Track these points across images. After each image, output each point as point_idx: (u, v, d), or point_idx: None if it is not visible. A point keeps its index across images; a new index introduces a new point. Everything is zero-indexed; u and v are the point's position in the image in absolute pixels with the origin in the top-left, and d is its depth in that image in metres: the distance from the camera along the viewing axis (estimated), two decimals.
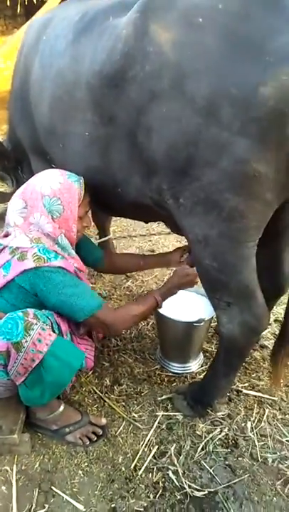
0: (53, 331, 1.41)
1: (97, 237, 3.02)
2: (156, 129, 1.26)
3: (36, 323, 1.32)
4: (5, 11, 7.07)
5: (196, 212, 1.31)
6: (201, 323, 1.74)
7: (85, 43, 1.40)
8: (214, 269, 1.38)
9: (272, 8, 1.09)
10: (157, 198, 1.43)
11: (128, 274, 2.86)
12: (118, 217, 3.63)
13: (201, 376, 1.91)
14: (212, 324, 2.05)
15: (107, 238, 2.90)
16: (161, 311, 1.83)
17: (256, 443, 1.60)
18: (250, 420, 1.69)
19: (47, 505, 1.39)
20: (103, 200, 1.67)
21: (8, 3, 5.01)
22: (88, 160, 1.49)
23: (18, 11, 5.91)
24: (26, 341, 1.28)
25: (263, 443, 1.60)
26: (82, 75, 1.37)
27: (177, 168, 1.27)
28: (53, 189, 1.44)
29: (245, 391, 1.83)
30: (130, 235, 3.56)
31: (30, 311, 1.36)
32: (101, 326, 1.50)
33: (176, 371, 1.94)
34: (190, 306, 1.91)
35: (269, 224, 1.36)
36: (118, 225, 3.64)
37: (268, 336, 2.23)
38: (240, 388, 1.85)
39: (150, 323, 2.29)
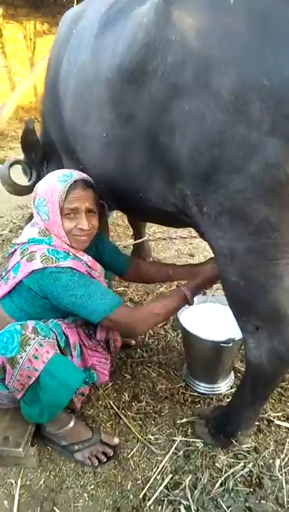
0: (59, 344, 1.32)
1: (133, 238, 2.93)
2: (179, 129, 1.12)
3: (34, 338, 1.24)
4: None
5: (221, 224, 1.16)
6: (230, 344, 1.57)
7: (108, 35, 1.29)
8: (241, 287, 1.21)
9: None
10: (181, 205, 1.28)
11: None
12: None
13: (229, 400, 1.74)
14: None
15: (142, 240, 2.79)
16: (187, 326, 1.68)
17: (284, 485, 1.41)
18: (279, 457, 1.50)
19: None
20: (126, 205, 1.56)
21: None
22: (106, 163, 1.38)
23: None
24: (21, 357, 1.21)
25: None
26: (102, 69, 1.26)
27: (201, 173, 1.12)
28: (42, 190, 1.41)
29: (277, 422, 1.64)
30: (170, 237, 3.43)
31: (30, 323, 1.29)
32: (119, 328, 1.38)
33: (202, 391, 1.79)
34: (221, 321, 1.75)
35: None
36: (159, 225, 3.53)
37: None
38: (271, 418, 1.65)
39: (180, 335, 2.15)
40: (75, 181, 1.39)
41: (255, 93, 0.92)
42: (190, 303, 1.49)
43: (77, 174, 1.43)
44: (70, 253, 1.38)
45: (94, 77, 1.30)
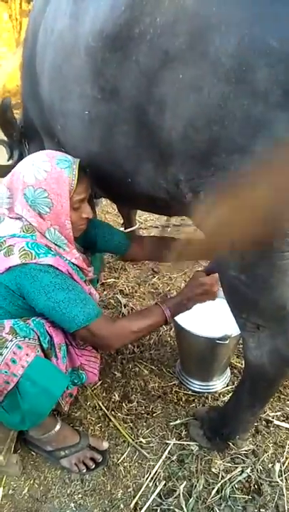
0: (42, 346, 1.20)
1: (123, 227, 2.80)
2: (171, 103, 0.98)
3: (11, 340, 1.12)
4: None
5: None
6: (226, 341, 1.46)
7: None
8: (241, 282, 1.09)
9: None
10: (174, 192, 1.15)
11: (155, 269, 2.61)
12: None
13: (225, 398, 1.64)
14: None
15: (133, 229, 2.66)
16: (180, 321, 1.57)
17: (284, 491, 1.32)
18: (279, 461, 1.41)
19: None
20: (113, 192, 1.42)
21: None
22: (89, 145, 1.23)
23: None
24: None
25: None
26: (82, 36, 1.10)
27: (196, 154, 0.98)
28: (38, 179, 1.19)
29: (276, 422, 1.54)
30: (163, 225, 3.29)
31: (8, 323, 1.16)
32: (93, 341, 1.25)
33: (196, 389, 1.69)
34: (217, 315, 1.63)
35: None
36: (150, 213, 3.38)
37: None
38: (270, 418, 1.56)
39: (173, 329, 2.04)
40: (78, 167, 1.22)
41: (263, 57, 0.78)
42: (168, 324, 1.34)
43: (72, 157, 1.26)
44: (52, 249, 1.23)
45: (73, 46, 1.14)
